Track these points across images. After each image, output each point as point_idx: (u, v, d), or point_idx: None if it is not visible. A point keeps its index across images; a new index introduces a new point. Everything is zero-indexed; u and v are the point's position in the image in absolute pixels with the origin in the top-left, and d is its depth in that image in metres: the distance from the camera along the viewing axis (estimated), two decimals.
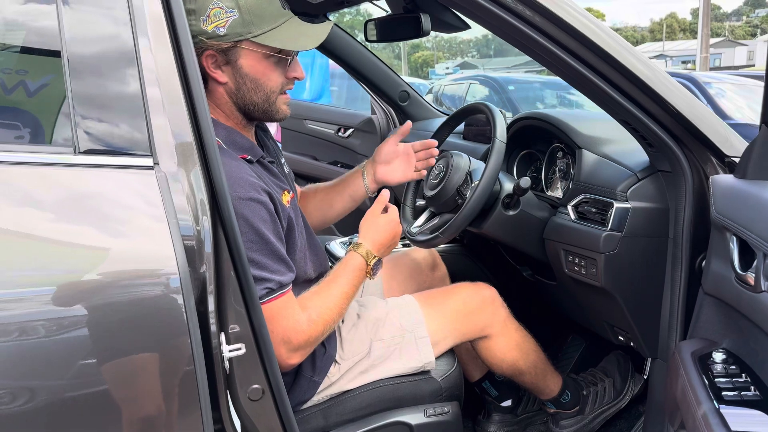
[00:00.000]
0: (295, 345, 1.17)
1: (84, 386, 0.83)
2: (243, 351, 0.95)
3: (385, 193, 1.36)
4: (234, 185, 1.08)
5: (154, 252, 0.85)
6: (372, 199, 1.42)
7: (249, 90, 1.20)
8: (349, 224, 2.03)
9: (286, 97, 1.26)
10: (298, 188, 1.58)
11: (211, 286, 0.90)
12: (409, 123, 1.57)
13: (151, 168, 0.87)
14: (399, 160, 1.56)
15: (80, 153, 0.85)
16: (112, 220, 0.85)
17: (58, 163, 0.85)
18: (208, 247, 0.90)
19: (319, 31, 1.21)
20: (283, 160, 1.44)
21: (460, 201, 1.58)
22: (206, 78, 1.17)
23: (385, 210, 1.35)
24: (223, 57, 1.16)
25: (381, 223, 1.33)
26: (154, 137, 0.87)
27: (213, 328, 0.91)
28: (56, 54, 0.85)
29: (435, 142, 1.59)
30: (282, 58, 1.20)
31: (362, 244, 1.31)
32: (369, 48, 2.57)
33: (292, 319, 1.16)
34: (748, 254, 1.07)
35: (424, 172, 1.60)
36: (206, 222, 0.89)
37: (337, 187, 1.62)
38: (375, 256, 1.31)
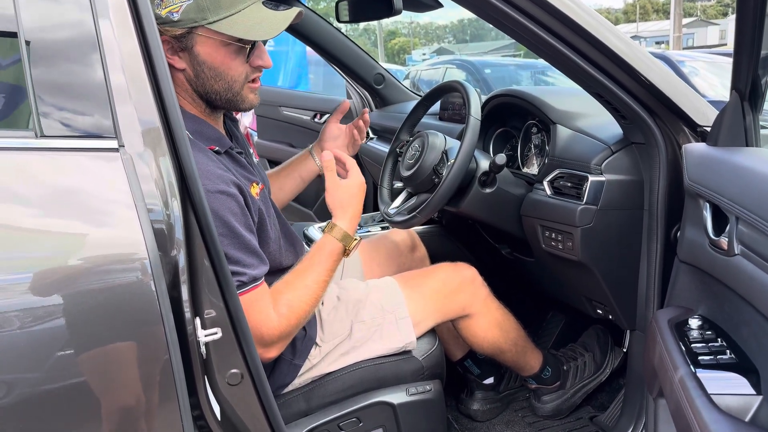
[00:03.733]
0: (268, 340, 1.14)
1: (56, 378, 0.81)
2: (219, 335, 0.93)
3: (327, 155, 1.27)
4: (201, 177, 1.02)
5: (121, 236, 0.83)
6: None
7: (209, 78, 1.13)
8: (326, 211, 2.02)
9: (254, 85, 1.19)
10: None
11: (184, 272, 0.88)
12: (347, 102, 1.60)
13: (116, 150, 0.84)
14: (344, 136, 1.65)
15: (42, 137, 0.82)
16: (76, 204, 0.82)
17: (19, 147, 0.82)
18: (179, 233, 0.87)
19: (282, 19, 1.13)
20: (252, 151, 1.41)
21: (436, 180, 1.58)
22: None
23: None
24: (178, 43, 1.10)
25: (349, 188, 1.26)
26: (119, 120, 0.84)
27: (187, 313, 0.89)
28: (13, 35, 0.82)
29: (366, 110, 1.67)
30: (242, 46, 1.13)
31: (337, 226, 1.24)
32: (344, 33, 2.54)
33: (263, 314, 1.13)
34: (721, 220, 1.08)
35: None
36: (176, 206, 0.87)
37: (286, 170, 1.65)
38: (354, 239, 1.25)
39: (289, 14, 1.14)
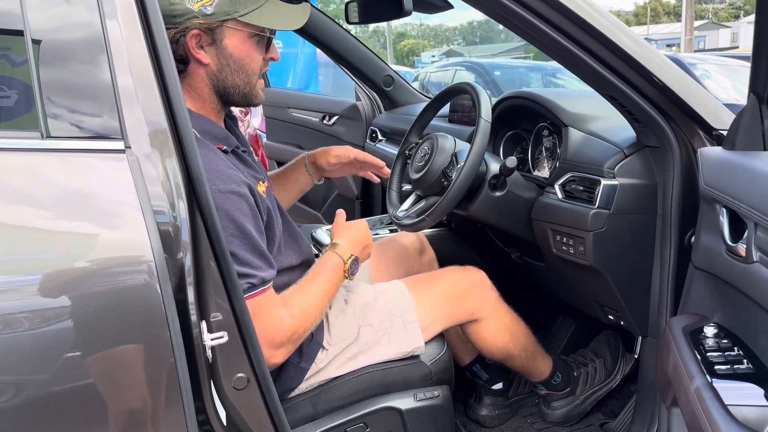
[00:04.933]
0: (277, 343, 1.14)
1: (61, 380, 0.80)
2: (225, 339, 0.92)
3: (341, 214, 1.43)
4: (213, 177, 1.05)
5: (127, 238, 0.82)
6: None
7: (232, 71, 1.16)
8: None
9: (261, 81, 1.24)
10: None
11: (191, 274, 0.87)
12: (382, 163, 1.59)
13: (122, 152, 0.83)
14: (346, 166, 1.63)
15: (48, 137, 0.81)
16: (82, 206, 0.81)
17: (25, 148, 0.81)
18: (186, 234, 0.86)
19: (301, 12, 1.20)
20: (252, 149, 1.41)
21: (445, 183, 1.56)
22: (187, 59, 1.14)
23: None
24: (209, 37, 1.12)
25: (352, 225, 1.39)
26: (126, 121, 0.84)
27: (193, 316, 0.88)
28: (19, 33, 0.81)
29: (383, 165, 1.62)
30: (262, 38, 1.18)
31: (338, 244, 1.32)
32: (353, 34, 2.54)
33: (274, 315, 1.13)
34: (738, 225, 1.05)
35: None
36: (182, 207, 0.86)
37: (283, 183, 1.63)
38: (351, 255, 1.31)
39: (306, 7, 1.21)
